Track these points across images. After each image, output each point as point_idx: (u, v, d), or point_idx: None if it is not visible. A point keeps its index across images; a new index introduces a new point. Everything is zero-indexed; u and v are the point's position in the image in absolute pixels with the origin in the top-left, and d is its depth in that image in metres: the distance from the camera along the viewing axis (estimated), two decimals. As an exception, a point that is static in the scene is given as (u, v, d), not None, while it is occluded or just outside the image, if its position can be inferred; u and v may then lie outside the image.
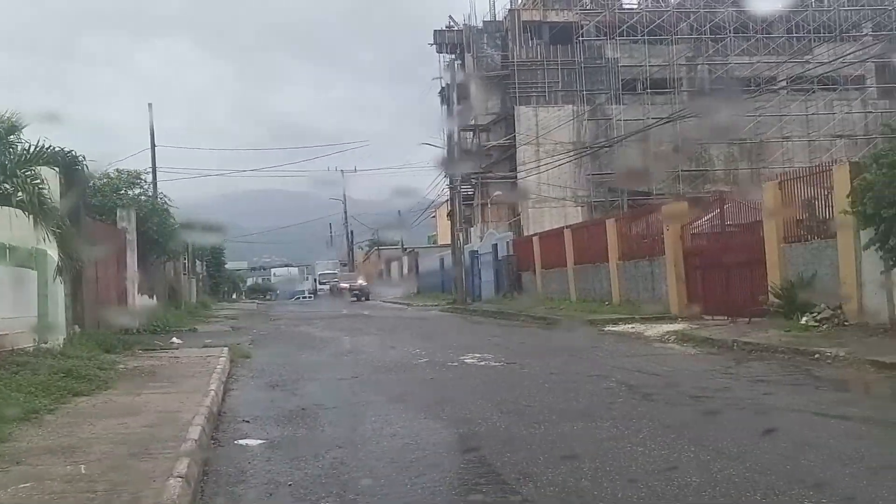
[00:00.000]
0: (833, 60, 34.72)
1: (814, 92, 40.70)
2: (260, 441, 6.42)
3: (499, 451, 5.65)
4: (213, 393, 8.09)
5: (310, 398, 8.49)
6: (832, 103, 41.45)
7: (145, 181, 22.14)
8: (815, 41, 40.32)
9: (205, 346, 13.71)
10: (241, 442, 6.42)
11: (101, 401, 7.78)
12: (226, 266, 58.32)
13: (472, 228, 43.82)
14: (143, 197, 21.79)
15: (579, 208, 40.45)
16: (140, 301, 20.19)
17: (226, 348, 13.03)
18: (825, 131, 41.00)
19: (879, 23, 41.33)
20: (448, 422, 6.88)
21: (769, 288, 14.36)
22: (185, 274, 33.12)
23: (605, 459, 5.23)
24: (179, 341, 14.87)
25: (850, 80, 40.88)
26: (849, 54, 36.83)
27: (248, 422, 7.30)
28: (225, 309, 35.38)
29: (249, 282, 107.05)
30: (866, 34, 40.37)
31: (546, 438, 6.01)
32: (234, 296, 68.99)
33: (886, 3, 42.20)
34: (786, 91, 40.57)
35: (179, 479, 4.67)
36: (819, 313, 12.97)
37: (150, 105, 34.44)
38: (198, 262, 41.52)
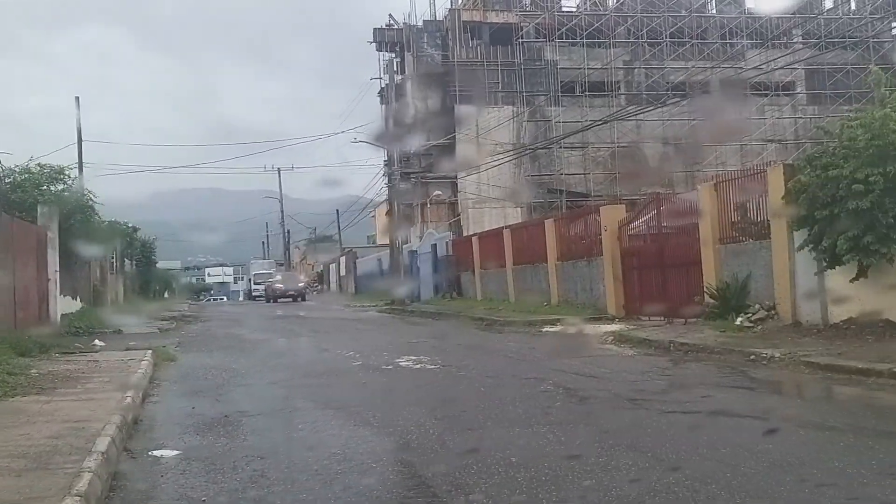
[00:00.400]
0: (762, 64, 35.55)
1: (746, 97, 41.60)
2: (176, 452, 5.99)
3: (430, 460, 5.37)
4: (129, 399, 7.60)
5: (234, 405, 8.06)
6: (763, 108, 42.46)
7: (69, 177, 21.05)
8: (747, 47, 41.21)
9: (127, 349, 13.07)
10: (155, 453, 5.98)
11: (5, 409, 7.23)
12: (157, 265, 56.72)
13: (411, 228, 43.53)
14: (66, 193, 20.76)
15: (519, 209, 40.54)
16: (62, 302, 19.28)
17: (150, 351, 12.42)
18: (757, 135, 41.96)
19: (809, 30, 42.52)
20: (378, 429, 6.56)
21: (705, 288, 14.43)
22: (112, 273, 31.93)
23: (540, 468, 4.98)
24: (102, 344, 14.18)
25: (780, 86, 41.96)
26: (779, 58, 37.81)
27: (165, 430, 6.86)
28: (155, 309, 34.28)
29: (183, 281, 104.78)
30: (797, 41, 41.49)
31: (480, 446, 5.73)
32: (165, 296, 67.28)
33: (815, 11, 43.40)
34: (719, 96, 41.36)
35: (78, 499, 4.24)
36: (754, 314, 13.06)
37: (77, 99, 33.22)
38: (126, 261, 40.18)
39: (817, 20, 43.02)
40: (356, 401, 8.08)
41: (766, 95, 41.87)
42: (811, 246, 11.38)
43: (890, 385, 7.85)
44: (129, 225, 37.13)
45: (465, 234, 35.93)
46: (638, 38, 41.94)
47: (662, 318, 15.69)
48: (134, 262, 44.37)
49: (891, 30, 44.02)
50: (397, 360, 11.48)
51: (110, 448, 5.58)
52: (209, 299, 77.35)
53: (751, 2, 44.60)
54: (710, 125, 38.90)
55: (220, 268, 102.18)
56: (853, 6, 44.97)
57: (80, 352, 12.83)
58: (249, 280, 65.23)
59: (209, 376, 10.55)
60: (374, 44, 43.61)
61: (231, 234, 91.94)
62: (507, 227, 26.48)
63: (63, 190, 20.46)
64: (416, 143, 42.14)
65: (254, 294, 55.03)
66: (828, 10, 44.75)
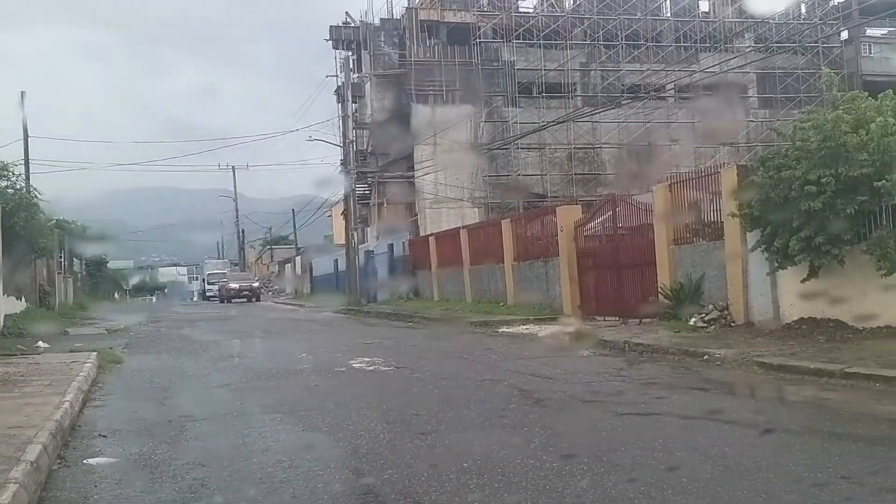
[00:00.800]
0: (714, 65, 36.03)
1: (699, 100, 42.17)
2: (113, 459, 5.72)
3: (381, 466, 5.18)
4: (66, 404, 7.26)
5: (179, 409, 7.78)
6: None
7: (13, 173, 20.33)
8: (701, 50, 41.75)
9: (72, 351, 12.66)
10: (91, 461, 5.70)
11: (-67, 416, 6.85)
12: (108, 265, 55.47)
13: (368, 228, 43.20)
14: (10, 190, 20.05)
15: (476, 209, 40.48)
16: (6, 302, 18.63)
17: (94, 353, 12.03)
18: (710, 138, 42.51)
19: (761, 35, 43.26)
20: (328, 434, 6.35)
21: (659, 289, 14.47)
22: (59, 273, 31.05)
23: (493, 474, 4.84)
24: (46, 345, 13.71)
25: (733, 90, 42.56)
26: (732, 58, 38.39)
27: (104, 436, 6.56)
28: (105, 310, 33.47)
29: (135, 281, 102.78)
30: (749, 46, 42.17)
31: (433, 451, 5.57)
32: (116, 296, 65.85)
33: (767, 16, 44.17)
34: (673, 99, 41.92)
35: (0, 513, 3.98)
36: (707, 314, 13.12)
37: (22, 94, 32.22)
38: (76, 261, 39.17)
39: (769, 25, 43.79)
40: (306, 404, 7.85)
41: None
42: (764, 246, 11.44)
43: (841, 386, 7.89)
44: (78, 224, 36.19)
45: (421, 233, 35.74)
46: (594, 40, 42.21)
47: (618, 319, 15.73)
48: (83, 262, 43.30)
49: (839, 35, 45.00)
50: (350, 362, 11.26)
51: (41, 456, 5.29)
52: (148, 297, 76.00)
53: (705, 5, 45.23)
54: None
55: (174, 268, 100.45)
56: (803, 11, 45.90)
57: (22, 353, 12.42)
58: (203, 280, 64.12)
59: (155, 379, 10.23)
60: (330, 42, 43.17)
61: (185, 234, 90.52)
62: (464, 228, 26.38)
63: (6, 187, 19.77)
64: (371, 141, 41.89)
65: (208, 294, 54.12)
66: (779, 14, 45.58)
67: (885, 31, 46.79)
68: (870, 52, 45.42)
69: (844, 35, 45.36)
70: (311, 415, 7.19)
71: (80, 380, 9.02)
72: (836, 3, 43.00)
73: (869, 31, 46.27)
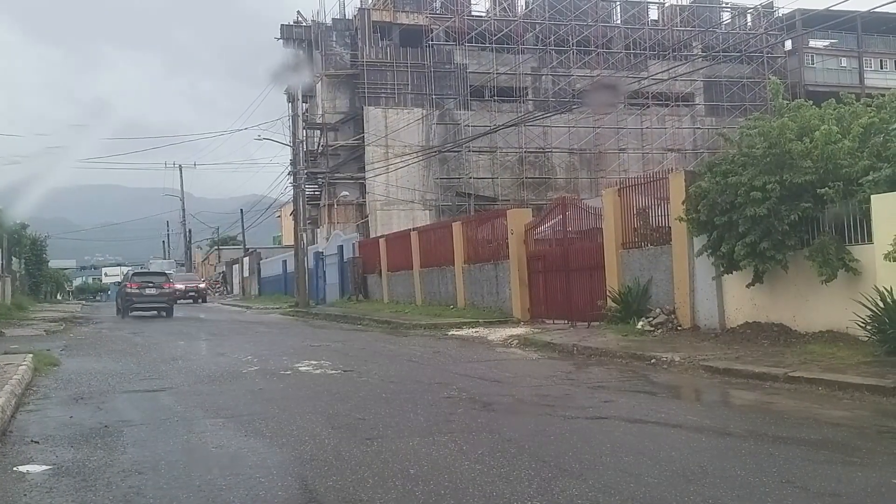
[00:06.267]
0: (662, 71, 36.59)
1: (648, 107, 42.88)
2: (45, 467, 5.46)
3: (324, 473, 5.05)
4: (-4, 409, 6.95)
5: (116, 413, 7.52)
6: (664, 118, 43.83)
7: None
8: (650, 58, 42.41)
9: (6, 353, 12.19)
10: (21, 468, 5.44)
11: None
12: (48, 264, 53.87)
13: (318, 229, 42.80)
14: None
15: (427, 211, 40.44)
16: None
17: (30, 355, 11.60)
18: (658, 144, 43.25)
19: (708, 43, 44.12)
20: (271, 439, 6.18)
21: (608, 292, 14.56)
22: (-5, 272, 30.00)
23: (440, 481, 4.74)
24: (-22, 348, 13.18)
25: (680, 98, 43.38)
26: (678, 66, 39.02)
27: (37, 443, 6.28)
28: (45, 311, 32.46)
29: (78, 282, 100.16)
30: (696, 55, 42.97)
31: (378, 457, 5.44)
32: (58, 297, 64.02)
33: (714, 25, 45.09)
34: (622, 105, 42.49)
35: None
36: (654, 318, 13.24)
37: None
38: (14, 260, 37.92)
39: (715, 34, 44.69)
40: (249, 409, 7.65)
41: (667, 106, 43.26)
42: (710, 251, 11.59)
43: (785, 389, 7.99)
44: (16, 221, 35.01)
45: (372, 235, 35.52)
46: (545, 45, 42.56)
47: (567, 322, 15.79)
48: (23, 261, 41.95)
49: (783, 45, 46.18)
50: (297, 365, 11.06)
51: (-35, 465, 5.03)
52: (92, 298, 74.20)
53: (654, 14, 45.97)
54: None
55: (118, 267, 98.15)
56: (749, 22, 46.97)
57: (-49, 356, 11.86)
58: (148, 281, 62.63)
59: (93, 382, 9.88)
60: (281, 41, 42.70)
61: (130, 233, 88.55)
62: (414, 230, 26.24)
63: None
64: (322, 142, 41.51)
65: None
66: (725, 24, 46.57)
67: (826, 42, 48.17)
68: (812, 63, 46.69)
69: (788, 45, 46.59)
70: (254, 419, 7.00)
71: (13, 383, 8.66)
72: (780, 15, 44.06)
73: (812, 43, 47.60)
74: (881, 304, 8.92)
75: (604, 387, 8.77)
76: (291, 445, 5.94)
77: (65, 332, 19.58)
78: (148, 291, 27.70)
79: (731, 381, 8.77)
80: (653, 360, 10.27)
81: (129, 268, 72.27)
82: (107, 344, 16.22)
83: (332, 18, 42.87)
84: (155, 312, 27.55)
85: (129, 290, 28.10)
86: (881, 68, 47.78)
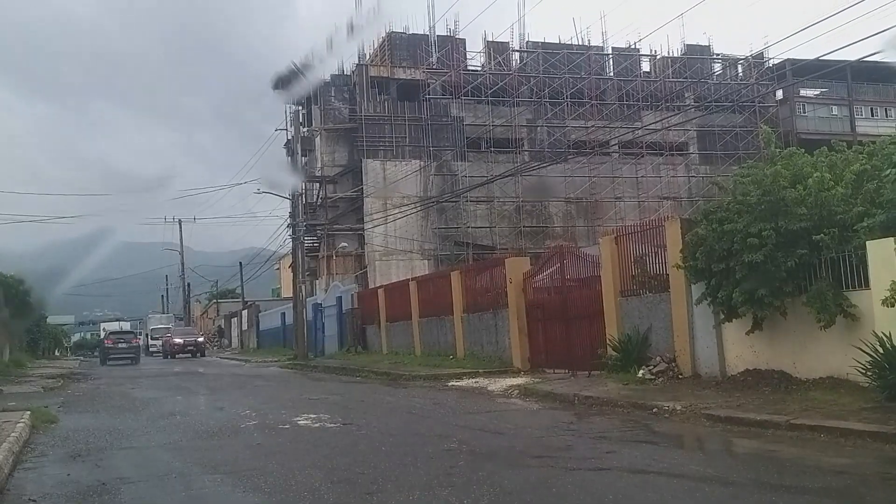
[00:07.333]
0: (656, 122, 37.05)
1: (643, 156, 43.33)
2: (42, 527, 5.41)
3: (324, 529, 4.99)
4: (-7, 468, 6.89)
5: (115, 470, 7.45)
6: (659, 167, 44.23)
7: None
8: (643, 109, 42.97)
9: (4, 411, 12.09)
10: (18, 528, 5.38)
11: None
12: (47, 320, 53.60)
13: (316, 281, 42.79)
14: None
15: (426, 261, 40.53)
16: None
17: (27, 413, 11.51)
18: (653, 193, 43.56)
19: (700, 94, 44.77)
20: (269, 495, 6.11)
21: (608, 341, 14.52)
22: (-7, 329, 29.87)
23: (441, 535, 4.69)
24: (-24, 405, 13.08)
25: (674, 147, 43.87)
26: (671, 115, 39.53)
27: (34, 501, 6.23)
28: (43, 367, 32.25)
29: (76, 337, 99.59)
30: (689, 105, 43.58)
31: (378, 512, 5.39)
32: (56, 353, 63.61)
33: (706, 77, 45.80)
34: (618, 155, 42.95)
35: None
36: (655, 366, 13.18)
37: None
38: (11, 315, 37.72)
39: (707, 85, 45.39)
40: (248, 464, 7.58)
41: (662, 155, 43.71)
42: (709, 299, 11.60)
43: (788, 437, 7.94)
44: (12, 276, 34.97)
45: (371, 286, 35.51)
46: (540, 97, 43.17)
47: (567, 371, 15.71)
48: (20, 317, 41.73)
49: (774, 95, 46.85)
50: (295, 419, 10.98)
51: (-40, 526, 4.98)
52: (90, 355, 73.73)
53: (646, 66, 46.72)
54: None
55: (117, 322, 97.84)
56: (740, 72, 47.72)
57: (-50, 414, 11.76)
58: (147, 335, 62.48)
59: (91, 439, 9.79)
60: (281, 94, 43.20)
61: (130, 287, 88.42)
62: (413, 279, 26.25)
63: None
64: (321, 194, 41.80)
65: (151, 350, 52.74)
66: (717, 75, 47.30)
67: (817, 91, 48.89)
68: (804, 112, 47.33)
69: (780, 95, 47.26)
70: (253, 475, 6.93)
71: (10, 441, 8.60)
72: (770, 65, 44.79)
73: (803, 92, 48.31)
74: (880, 350, 8.91)
75: (606, 437, 8.70)
76: (290, 501, 5.88)
77: (62, 389, 19.44)
78: (120, 345, 38.48)
79: (733, 429, 8.71)
80: (654, 410, 10.21)
81: (129, 322, 71.60)
82: (105, 400, 16.10)
83: (331, 74, 43.52)
84: (129, 361, 36.64)
85: (106, 345, 39.15)
86: (872, 116, 48.39)
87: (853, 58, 19.43)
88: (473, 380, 16.20)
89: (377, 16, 37.17)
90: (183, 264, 63.58)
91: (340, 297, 32.24)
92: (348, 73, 43.45)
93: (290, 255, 35.10)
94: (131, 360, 37.23)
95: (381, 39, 43.98)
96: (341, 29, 42.53)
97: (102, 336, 48.83)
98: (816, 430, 7.93)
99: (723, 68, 47.80)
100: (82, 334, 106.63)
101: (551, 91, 43.11)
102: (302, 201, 34.12)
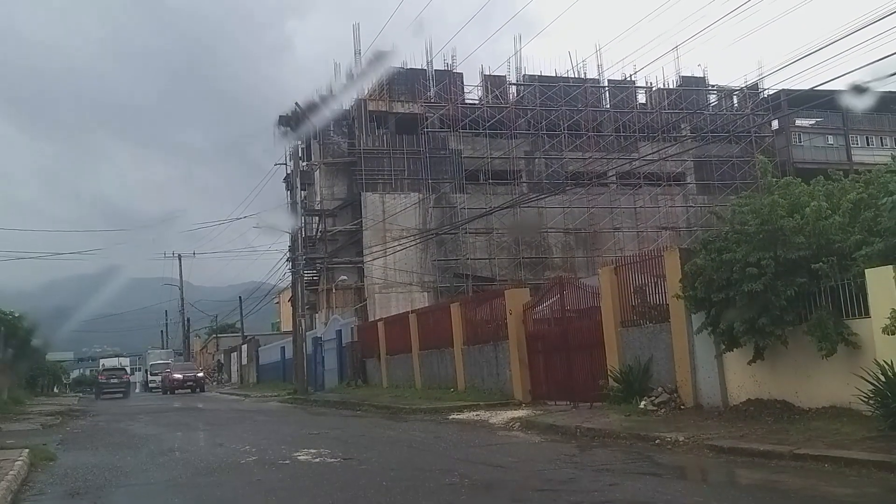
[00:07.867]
0: (653, 152, 37.26)
1: (640, 187, 43.53)
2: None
3: (325, 566, 4.94)
4: (-10, 508, 6.83)
5: (113, 509, 7.39)
6: (657, 197, 44.42)
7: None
8: (640, 140, 43.27)
9: (2, 449, 11.99)
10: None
11: None
12: (46, 356, 53.35)
13: (316, 314, 42.71)
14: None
15: (426, 293, 40.50)
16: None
17: (26, 451, 11.41)
18: (651, 223, 43.69)
19: (696, 124, 45.11)
20: (270, 532, 6.06)
21: (608, 372, 14.47)
22: (-8, 366, 29.70)
23: (444, 571, 4.64)
24: (-26, 444, 12.97)
25: (672, 177, 44.08)
26: (668, 146, 39.78)
27: (31, 541, 6.16)
28: (42, 405, 32.04)
29: (75, 374, 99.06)
30: (686, 136, 43.88)
31: (380, 548, 5.33)
32: (55, 389, 63.22)
33: (702, 108, 46.19)
34: (615, 186, 43.15)
35: None
36: (657, 397, 13.12)
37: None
38: (10, 351, 37.57)
39: (703, 116, 45.75)
40: (248, 501, 7.53)
41: (659, 185, 43.92)
42: (709, 329, 11.58)
43: (791, 467, 7.88)
44: (12, 313, 34.89)
45: (371, 319, 35.44)
46: (537, 130, 43.49)
47: (568, 403, 15.63)
48: (22, 357, 41.53)
49: (770, 125, 47.22)
50: (296, 454, 10.89)
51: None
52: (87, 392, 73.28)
53: (642, 97, 47.12)
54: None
55: (116, 358, 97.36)
56: (736, 103, 48.14)
57: (-53, 453, 11.66)
58: (146, 371, 62.20)
59: (90, 477, 9.70)
60: (279, 129, 43.50)
61: (129, 322, 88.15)
62: (412, 312, 26.20)
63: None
64: (320, 227, 41.90)
65: (150, 386, 52.49)
66: (712, 106, 47.72)
67: (812, 121, 49.27)
68: (800, 141, 47.66)
69: (775, 125, 47.64)
70: (252, 512, 6.88)
71: (9, 479, 8.53)
72: (765, 96, 45.19)
73: (798, 122, 48.70)
74: (882, 378, 8.88)
75: (608, 469, 8.63)
76: (291, 537, 5.82)
77: (61, 426, 19.30)
78: (112, 381, 43.23)
79: (736, 459, 8.65)
80: (657, 441, 10.15)
81: (128, 358, 71.34)
82: (104, 437, 15.98)
83: (330, 109, 43.88)
84: (121, 395, 40.95)
85: (100, 381, 44.51)
86: (867, 145, 48.74)
87: (847, 87, 19.57)
88: (474, 412, 16.11)
89: (374, 66, 37.35)
90: (182, 299, 63.50)
91: (340, 330, 32.16)
92: (347, 108, 43.82)
93: (290, 289, 35.07)
94: (122, 393, 41.77)
95: (379, 76, 44.40)
96: (340, 72, 42.86)
97: (97, 373, 54.10)
98: (820, 460, 7.88)
99: (718, 99, 48.23)
100: (81, 370, 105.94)
101: (548, 123, 43.44)
102: (301, 235, 34.18)
